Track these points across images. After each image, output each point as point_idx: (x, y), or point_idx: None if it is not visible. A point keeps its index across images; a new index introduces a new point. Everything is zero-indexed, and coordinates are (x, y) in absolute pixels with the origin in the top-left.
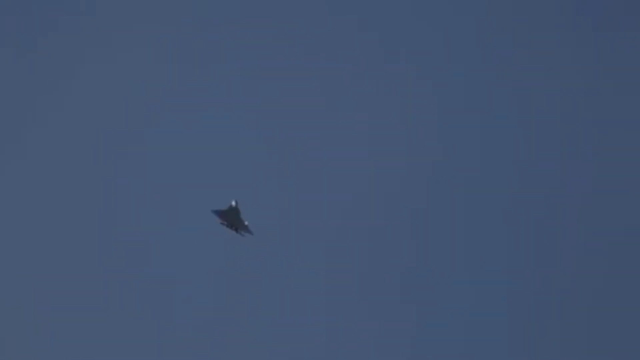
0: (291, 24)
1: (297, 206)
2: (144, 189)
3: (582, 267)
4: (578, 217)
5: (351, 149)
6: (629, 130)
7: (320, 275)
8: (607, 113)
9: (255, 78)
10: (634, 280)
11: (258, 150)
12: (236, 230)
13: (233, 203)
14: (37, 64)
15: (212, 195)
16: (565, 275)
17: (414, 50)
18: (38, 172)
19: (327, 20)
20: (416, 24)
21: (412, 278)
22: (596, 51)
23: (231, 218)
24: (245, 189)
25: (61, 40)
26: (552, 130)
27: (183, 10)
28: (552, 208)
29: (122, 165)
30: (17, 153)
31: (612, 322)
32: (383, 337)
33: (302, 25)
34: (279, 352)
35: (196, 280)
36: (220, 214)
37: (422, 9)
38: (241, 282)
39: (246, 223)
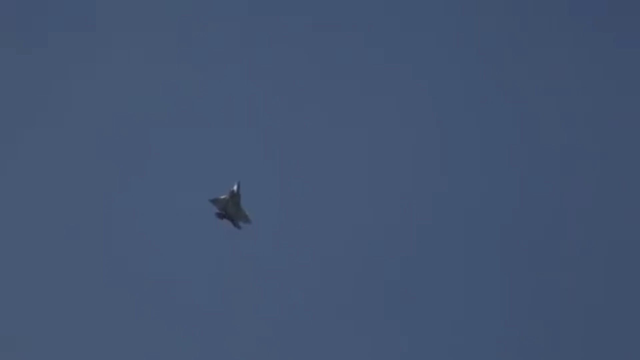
0: (292, 30)
1: (296, 209)
2: (142, 190)
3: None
4: (580, 228)
5: (351, 155)
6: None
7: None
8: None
9: (255, 80)
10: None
11: (256, 152)
12: (233, 221)
13: (234, 188)
14: (34, 64)
15: (209, 198)
16: (567, 304)
17: (416, 58)
18: (32, 173)
19: (327, 23)
20: (419, 31)
21: (411, 286)
22: (596, 55)
23: (231, 207)
24: (245, 191)
25: (58, 40)
26: (556, 140)
27: (182, 11)
28: (555, 226)
29: (119, 167)
30: (12, 155)
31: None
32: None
33: (303, 31)
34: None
35: (195, 281)
36: (218, 203)
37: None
38: (238, 286)
39: (246, 212)
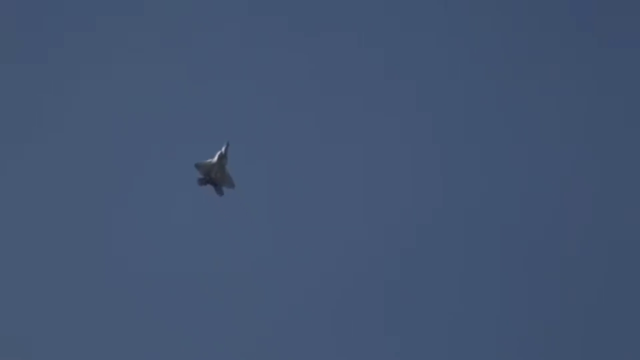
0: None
1: (296, 209)
2: (142, 192)
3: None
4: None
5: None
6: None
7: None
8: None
9: (256, 81)
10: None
11: (256, 153)
12: (216, 186)
13: (223, 149)
14: (34, 64)
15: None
16: (567, 305)
17: (417, 60)
18: (33, 174)
19: (326, 26)
20: (417, 32)
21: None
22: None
23: (217, 171)
24: (246, 190)
25: (57, 43)
26: (554, 143)
27: (181, 14)
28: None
29: (120, 169)
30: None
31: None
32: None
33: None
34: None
35: (195, 281)
36: (203, 167)
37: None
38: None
39: (231, 177)
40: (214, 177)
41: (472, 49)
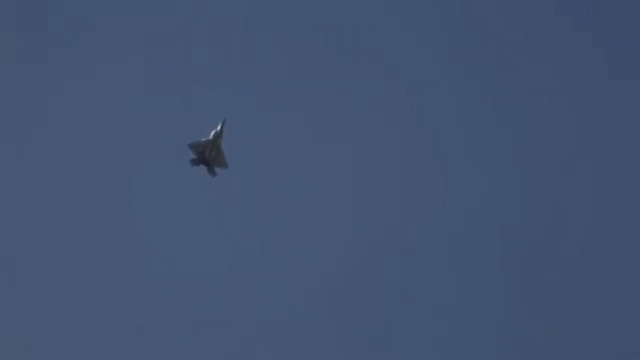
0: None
1: (295, 210)
2: (141, 193)
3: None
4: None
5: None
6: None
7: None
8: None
9: (256, 80)
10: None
11: (255, 151)
12: (209, 166)
13: (218, 128)
14: (33, 64)
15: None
16: (567, 306)
17: (416, 60)
18: (34, 176)
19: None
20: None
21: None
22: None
23: (211, 150)
24: (246, 190)
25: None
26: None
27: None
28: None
29: (119, 170)
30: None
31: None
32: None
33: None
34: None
35: (195, 281)
36: (197, 147)
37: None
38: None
39: (225, 157)
40: (209, 157)
41: (472, 47)
